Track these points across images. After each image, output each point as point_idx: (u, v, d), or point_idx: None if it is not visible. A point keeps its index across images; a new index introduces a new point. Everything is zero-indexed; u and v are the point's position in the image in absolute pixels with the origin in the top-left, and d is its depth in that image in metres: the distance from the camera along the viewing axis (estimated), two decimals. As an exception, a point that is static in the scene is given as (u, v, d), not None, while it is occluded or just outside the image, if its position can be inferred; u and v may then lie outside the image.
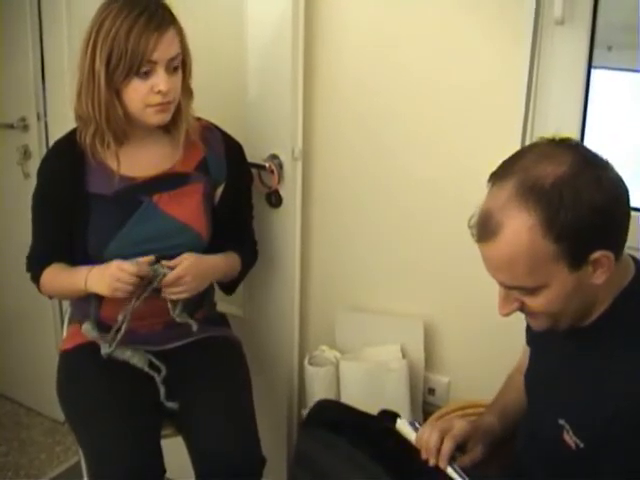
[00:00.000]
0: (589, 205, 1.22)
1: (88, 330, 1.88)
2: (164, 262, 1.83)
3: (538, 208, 1.23)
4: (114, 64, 1.74)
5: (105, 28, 1.74)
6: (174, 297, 1.86)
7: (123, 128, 1.85)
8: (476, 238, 1.33)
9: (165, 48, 1.76)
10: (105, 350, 1.85)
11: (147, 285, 1.81)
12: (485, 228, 1.30)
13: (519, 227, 1.25)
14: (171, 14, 1.80)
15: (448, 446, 1.54)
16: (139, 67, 1.75)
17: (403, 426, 1.64)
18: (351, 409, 1.92)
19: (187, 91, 1.90)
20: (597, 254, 1.25)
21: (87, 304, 1.93)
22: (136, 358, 1.89)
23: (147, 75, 1.77)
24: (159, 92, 1.78)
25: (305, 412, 2.24)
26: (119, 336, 1.83)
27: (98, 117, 1.81)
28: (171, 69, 1.79)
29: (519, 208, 1.25)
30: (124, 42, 1.72)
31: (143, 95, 1.79)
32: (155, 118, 1.83)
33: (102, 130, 1.84)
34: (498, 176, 1.31)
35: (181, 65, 1.84)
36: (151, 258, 1.81)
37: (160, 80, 1.77)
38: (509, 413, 1.66)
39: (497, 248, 1.28)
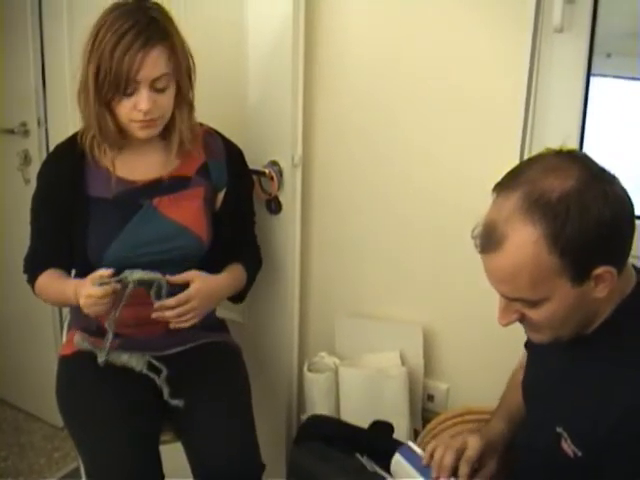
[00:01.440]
0: (595, 221, 1.22)
1: (79, 342, 1.87)
2: (169, 277, 1.81)
3: (544, 222, 1.23)
4: (101, 81, 1.74)
5: (97, 40, 1.73)
6: (181, 325, 1.84)
7: (115, 138, 1.85)
8: (479, 249, 1.33)
9: (149, 68, 1.74)
10: (100, 359, 1.84)
11: (122, 293, 1.77)
12: (489, 239, 1.29)
13: (524, 240, 1.24)
14: (164, 29, 1.76)
15: (464, 472, 1.54)
16: (125, 87, 1.74)
17: (398, 466, 1.63)
18: (342, 423, 1.93)
19: (183, 104, 1.88)
20: (600, 269, 1.25)
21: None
22: (134, 360, 1.88)
23: (131, 93, 1.76)
24: (140, 110, 1.78)
25: (304, 417, 2.24)
26: (108, 344, 1.82)
27: (91, 126, 1.83)
28: (157, 87, 1.77)
29: (524, 221, 1.24)
30: (109, 60, 1.71)
31: (127, 111, 1.78)
32: (140, 133, 1.83)
33: (97, 138, 1.85)
34: (503, 187, 1.31)
35: (174, 80, 1.81)
36: (109, 272, 1.75)
37: (141, 99, 1.76)
38: (516, 414, 1.65)
39: (500, 260, 1.28)
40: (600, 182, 1.25)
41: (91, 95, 1.77)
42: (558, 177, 1.24)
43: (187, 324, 1.84)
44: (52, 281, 1.93)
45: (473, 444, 1.57)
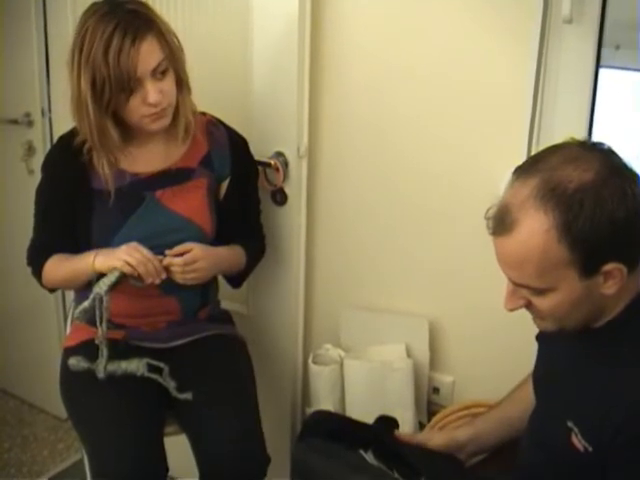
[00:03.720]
0: (609, 217, 1.20)
1: (74, 365, 1.86)
2: (168, 252, 1.83)
3: (557, 211, 1.22)
4: (100, 89, 1.72)
5: (84, 50, 1.71)
6: (185, 282, 1.86)
7: (116, 145, 1.84)
8: (491, 231, 1.32)
9: (145, 60, 1.72)
10: (100, 374, 1.83)
11: (101, 308, 1.77)
12: (501, 222, 1.28)
13: (536, 228, 1.24)
14: (147, 19, 1.74)
15: None
16: (128, 88, 1.72)
17: None
18: (346, 419, 1.92)
19: (182, 86, 1.86)
20: (610, 266, 1.24)
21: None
22: (133, 366, 1.85)
23: (136, 89, 1.74)
24: (150, 104, 1.76)
25: (309, 410, 2.24)
26: (104, 361, 1.81)
27: (90, 139, 1.82)
28: (158, 75, 1.76)
29: (538, 208, 1.23)
30: (104, 66, 1.68)
31: (136, 108, 1.77)
32: (154, 125, 1.82)
33: (96, 149, 1.84)
34: (523, 171, 1.29)
35: (171, 64, 1.79)
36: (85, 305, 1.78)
37: (149, 92, 1.74)
38: (485, 437, 1.71)
39: (510, 244, 1.27)
40: (620, 179, 1.23)
41: (90, 108, 1.74)
42: (578, 168, 1.23)
43: (192, 281, 1.87)
44: (64, 259, 1.91)
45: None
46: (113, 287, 1.77)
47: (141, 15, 1.74)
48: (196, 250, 1.85)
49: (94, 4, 1.76)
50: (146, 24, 1.73)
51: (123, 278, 1.78)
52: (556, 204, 1.22)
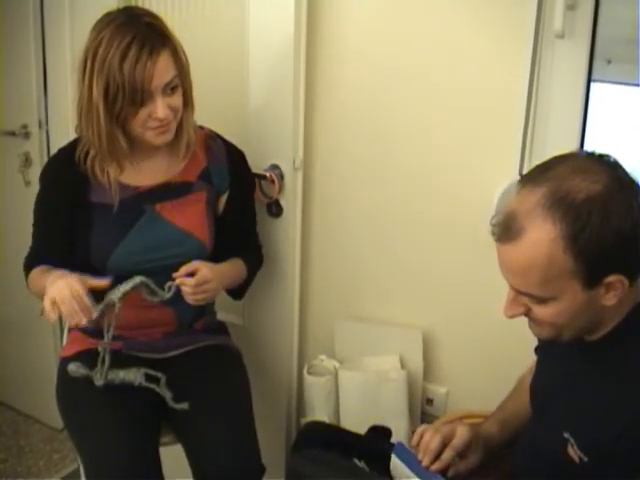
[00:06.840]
0: (616, 230, 1.21)
1: (73, 371, 1.87)
2: (175, 274, 1.82)
3: (564, 221, 1.22)
4: (112, 97, 1.72)
5: (99, 58, 1.71)
6: (196, 303, 1.87)
7: (124, 154, 1.84)
8: (496, 237, 1.31)
9: (160, 75, 1.73)
10: (98, 382, 1.84)
11: (111, 315, 1.78)
12: (507, 230, 1.28)
13: (542, 236, 1.23)
14: (163, 34, 1.76)
15: (448, 455, 1.55)
16: (139, 100, 1.73)
17: (396, 469, 1.63)
18: (340, 429, 1.92)
19: (188, 104, 1.88)
20: (612, 278, 1.25)
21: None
22: (131, 375, 1.86)
23: (146, 102, 1.75)
24: (157, 118, 1.77)
25: (304, 420, 2.25)
26: (105, 368, 1.83)
27: (98, 147, 1.81)
28: (168, 91, 1.77)
29: (545, 217, 1.23)
30: (119, 75, 1.69)
31: (143, 120, 1.78)
32: (157, 140, 1.83)
33: (103, 157, 1.84)
34: (530, 180, 1.29)
35: (181, 81, 1.81)
36: (106, 282, 1.77)
37: (158, 107, 1.75)
38: (511, 422, 1.66)
39: (515, 252, 1.27)
40: (627, 192, 1.24)
41: (102, 115, 1.74)
42: (586, 179, 1.23)
43: (203, 301, 1.89)
44: (44, 272, 1.88)
45: (461, 433, 1.58)
46: (126, 295, 1.78)
47: (157, 29, 1.75)
48: (204, 270, 1.84)
49: (108, 14, 1.77)
50: (162, 39, 1.75)
51: (138, 288, 1.79)
52: (564, 214, 1.22)
